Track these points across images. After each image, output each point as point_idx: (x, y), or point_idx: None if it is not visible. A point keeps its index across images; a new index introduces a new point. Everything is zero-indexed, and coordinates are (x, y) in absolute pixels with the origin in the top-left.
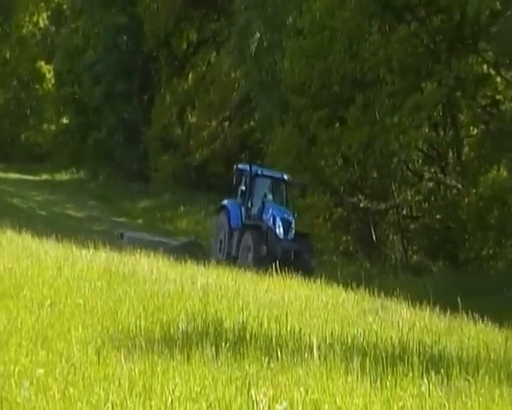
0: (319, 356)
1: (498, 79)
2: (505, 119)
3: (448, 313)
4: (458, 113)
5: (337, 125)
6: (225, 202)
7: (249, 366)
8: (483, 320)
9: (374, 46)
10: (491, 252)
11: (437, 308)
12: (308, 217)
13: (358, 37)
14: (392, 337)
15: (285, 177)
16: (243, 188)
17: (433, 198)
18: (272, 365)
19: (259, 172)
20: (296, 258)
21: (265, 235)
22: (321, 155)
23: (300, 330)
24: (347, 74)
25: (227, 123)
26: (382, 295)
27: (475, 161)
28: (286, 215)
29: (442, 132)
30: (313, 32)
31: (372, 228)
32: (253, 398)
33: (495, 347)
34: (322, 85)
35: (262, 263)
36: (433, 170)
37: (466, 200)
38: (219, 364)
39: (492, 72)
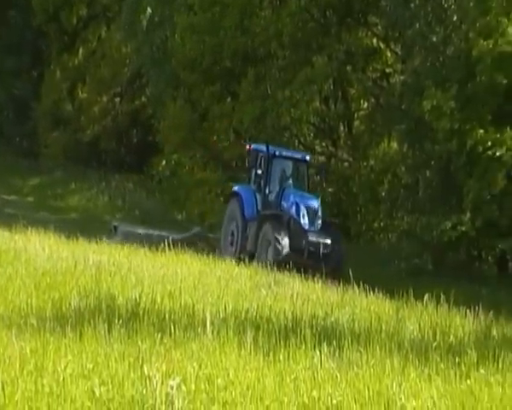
0: (212, 331)
1: (388, 53)
2: (395, 92)
3: (340, 285)
4: (349, 86)
5: (229, 99)
6: (236, 187)
7: (142, 342)
8: (374, 292)
9: (265, 21)
10: (382, 224)
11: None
12: (200, 192)
13: (249, 12)
14: (285, 311)
15: (307, 157)
16: (259, 171)
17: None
18: (165, 340)
19: (278, 153)
20: (324, 252)
21: (287, 226)
22: (213, 130)
23: (194, 305)
24: (239, 49)
25: (118, 99)
26: (275, 269)
27: (366, 135)
28: (310, 202)
29: (333, 106)
30: (204, 8)
31: None
32: (146, 374)
33: (386, 318)
34: (213, 61)
35: (285, 259)
36: (324, 144)
37: (357, 173)
38: (112, 341)
39: (382, 45)
